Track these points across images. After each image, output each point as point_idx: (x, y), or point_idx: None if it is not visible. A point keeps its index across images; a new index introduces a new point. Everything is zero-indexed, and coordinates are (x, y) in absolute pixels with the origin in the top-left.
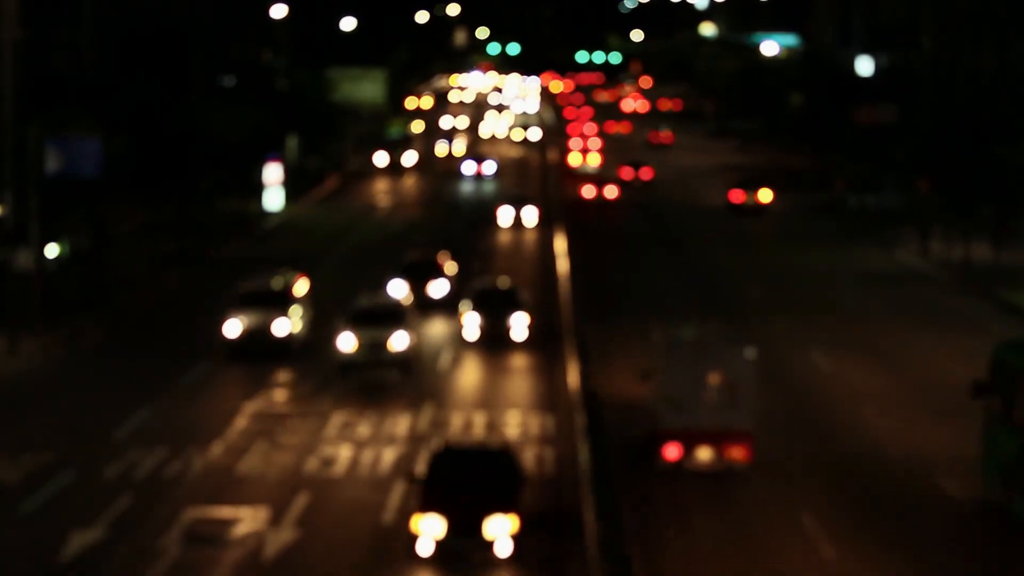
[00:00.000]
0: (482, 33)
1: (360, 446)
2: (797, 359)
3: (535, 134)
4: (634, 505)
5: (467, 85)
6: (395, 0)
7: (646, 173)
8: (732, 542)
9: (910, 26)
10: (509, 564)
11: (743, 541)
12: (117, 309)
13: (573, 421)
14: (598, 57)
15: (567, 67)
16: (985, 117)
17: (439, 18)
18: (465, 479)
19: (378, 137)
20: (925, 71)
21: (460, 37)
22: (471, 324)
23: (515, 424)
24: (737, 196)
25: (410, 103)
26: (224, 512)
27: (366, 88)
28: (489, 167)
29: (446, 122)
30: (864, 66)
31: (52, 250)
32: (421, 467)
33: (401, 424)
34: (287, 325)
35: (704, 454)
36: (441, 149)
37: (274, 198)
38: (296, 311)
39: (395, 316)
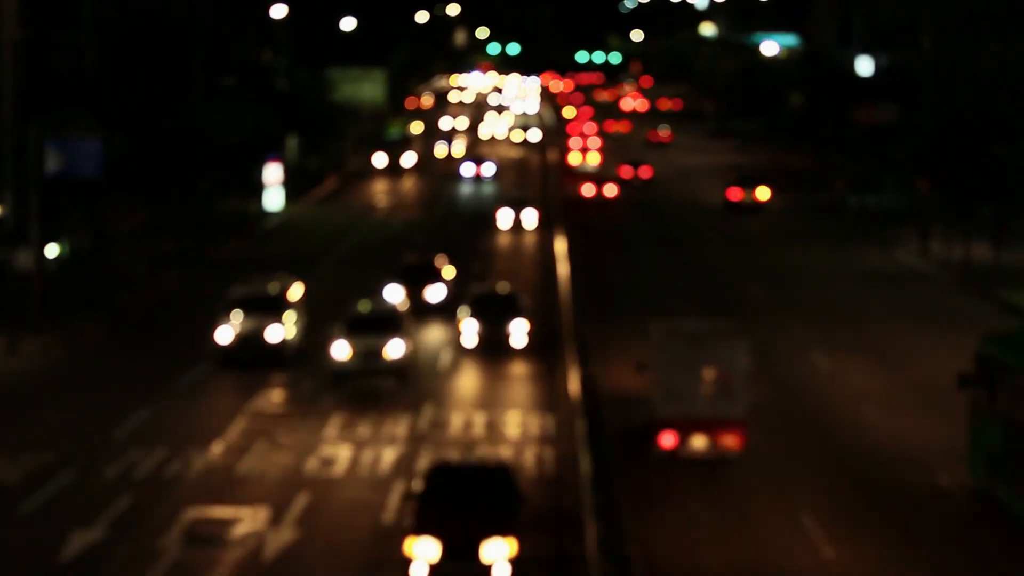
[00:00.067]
0: (482, 33)
1: (360, 446)
2: (797, 359)
3: (535, 135)
4: (631, 491)
5: (467, 85)
6: (395, 0)
7: (645, 172)
8: (729, 532)
9: (910, 26)
10: None
11: (740, 535)
12: (117, 309)
13: (574, 426)
14: (598, 57)
15: (567, 67)
16: (985, 117)
17: (439, 18)
18: (461, 500)
19: (378, 137)
20: (925, 71)
21: (460, 37)
22: (469, 331)
23: (515, 424)
24: (735, 194)
25: (410, 103)
26: (224, 512)
27: (366, 88)
28: (488, 169)
29: (445, 123)
30: (864, 66)
31: (52, 250)
32: (416, 484)
33: (401, 424)
34: (281, 331)
35: (698, 442)
36: (440, 150)
37: (274, 198)
38: (290, 317)
39: (391, 323)
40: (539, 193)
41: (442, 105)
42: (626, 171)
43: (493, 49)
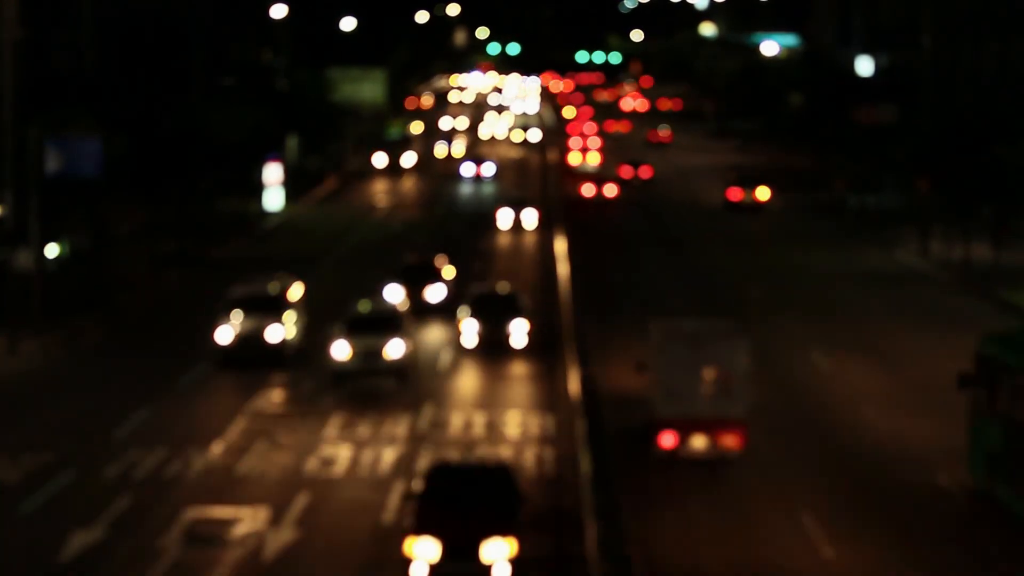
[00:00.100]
0: (482, 33)
1: (360, 446)
2: (797, 359)
3: (535, 135)
4: (632, 491)
5: (467, 85)
6: (395, 0)
7: (645, 172)
8: (729, 532)
9: (910, 26)
10: None
11: (740, 535)
12: (117, 309)
13: (574, 426)
14: (598, 57)
15: (567, 67)
16: (985, 117)
17: (439, 18)
18: (461, 500)
19: (378, 137)
20: (925, 71)
21: (460, 37)
22: (469, 331)
23: (515, 424)
24: (735, 194)
25: (410, 103)
26: (224, 512)
27: (366, 88)
28: (488, 169)
29: (445, 123)
30: (864, 66)
31: (52, 250)
32: (417, 484)
33: (401, 424)
34: (281, 331)
35: (698, 442)
36: (440, 150)
37: (274, 198)
38: (290, 317)
39: (391, 323)
40: (539, 193)
41: (442, 105)
42: (626, 171)
43: (493, 49)
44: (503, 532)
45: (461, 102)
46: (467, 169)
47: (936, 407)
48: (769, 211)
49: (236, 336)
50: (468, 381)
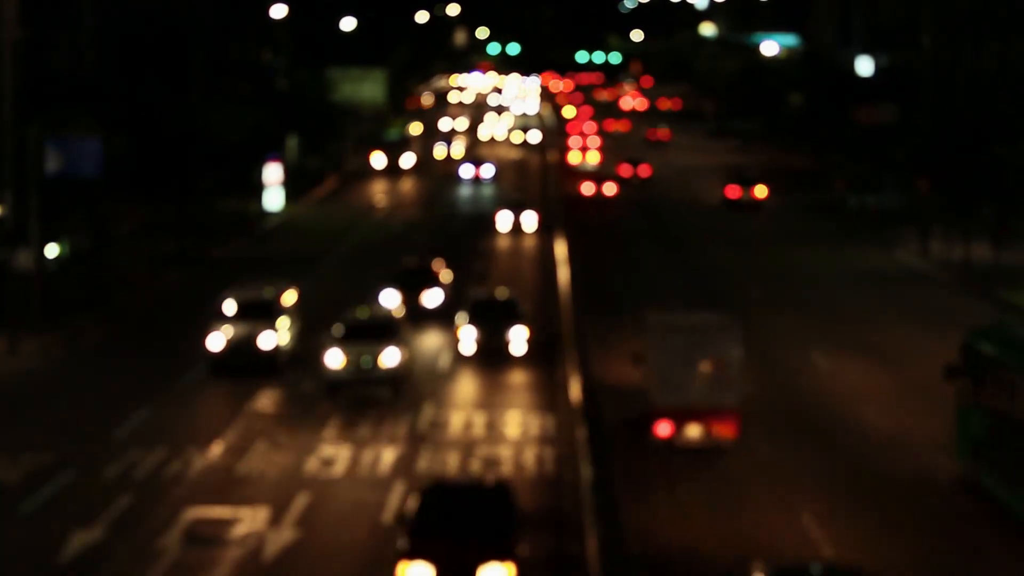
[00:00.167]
0: (482, 33)
1: (360, 446)
2: (797, 359)
3: (535, 136)
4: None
5: (467, 85)
6: (395, 0)
7: (645, 170)
8: (729, 532)
9: (910, 26)
10: None
11: (740, 535)
12: (117, 309)
13: (574, 427)
14: (598, 57)
15: (567, 67)
16: (985, 117)
17: (439, 18)
18: (457, 522)
19: (378, 137)
20: (925, 71)
21: (460, 37)
22: (468, 338)
23: (515, 424)
24: (733, 192)
25: (410, 103)
26: (224, 512)
27: (366, 88)
28: (487, 170)
29: (445, 124)
30: (864, 66)
31: (52, 250)
32: (410, 504)
33: (401, 424)
34: (274, 338)
35: (693, 431)
36: (440, 151)
37: (274, 198)
38: (284, 323)
39: (386, 330)
40: (539, 195)
41: (442, 105)
42: (625, 169)
43: (493, 49)
44: (501, 557)
45: (461, 102)
46: (466, 171)
47: (936, 407)
48: (769, 211)
49: (228, 342)
50: (466, 388)
